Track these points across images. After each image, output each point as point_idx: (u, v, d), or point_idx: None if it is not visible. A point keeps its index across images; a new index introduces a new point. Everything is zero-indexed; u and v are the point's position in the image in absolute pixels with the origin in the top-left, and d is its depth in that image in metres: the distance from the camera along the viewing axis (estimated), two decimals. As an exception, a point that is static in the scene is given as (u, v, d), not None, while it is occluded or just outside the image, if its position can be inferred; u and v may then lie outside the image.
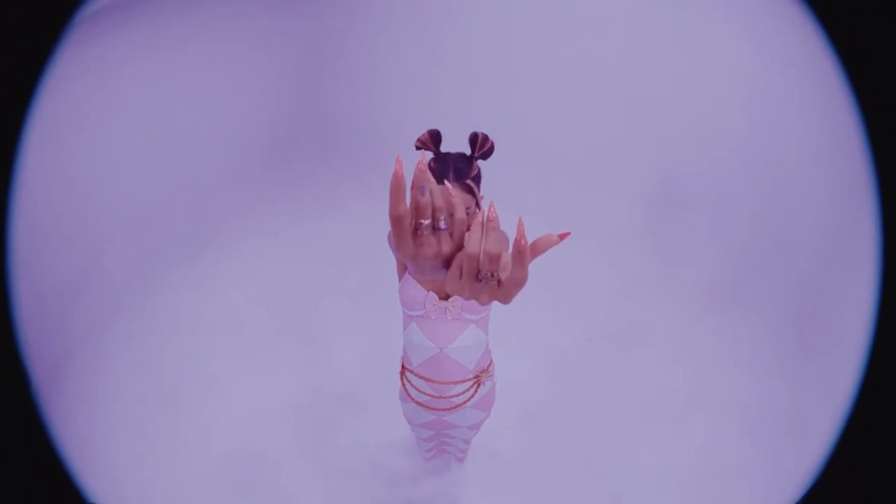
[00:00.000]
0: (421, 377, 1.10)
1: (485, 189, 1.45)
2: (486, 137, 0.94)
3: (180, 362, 2.22)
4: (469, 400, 1.13)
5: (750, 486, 1.87)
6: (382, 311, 2.38)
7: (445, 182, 0.70)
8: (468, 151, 0.97)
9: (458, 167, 0.93)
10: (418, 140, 0.94)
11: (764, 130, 2.80)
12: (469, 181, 0.94)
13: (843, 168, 2.17)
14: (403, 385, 1.17)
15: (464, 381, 1.10)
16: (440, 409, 1.14)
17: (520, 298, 1.37)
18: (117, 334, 2.28)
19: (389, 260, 1.19)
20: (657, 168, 3.16)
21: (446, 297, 1.00)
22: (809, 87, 2.29)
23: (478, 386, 1.13)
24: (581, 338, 2.45)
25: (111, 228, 2.49)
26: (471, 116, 3.47)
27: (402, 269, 1.06)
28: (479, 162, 1.00)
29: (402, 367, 1.16)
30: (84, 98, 2.27)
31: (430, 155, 0.99)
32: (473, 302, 0.99)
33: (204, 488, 1.83)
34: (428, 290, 0.99)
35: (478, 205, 0.97)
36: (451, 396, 1.11)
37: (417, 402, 1.15)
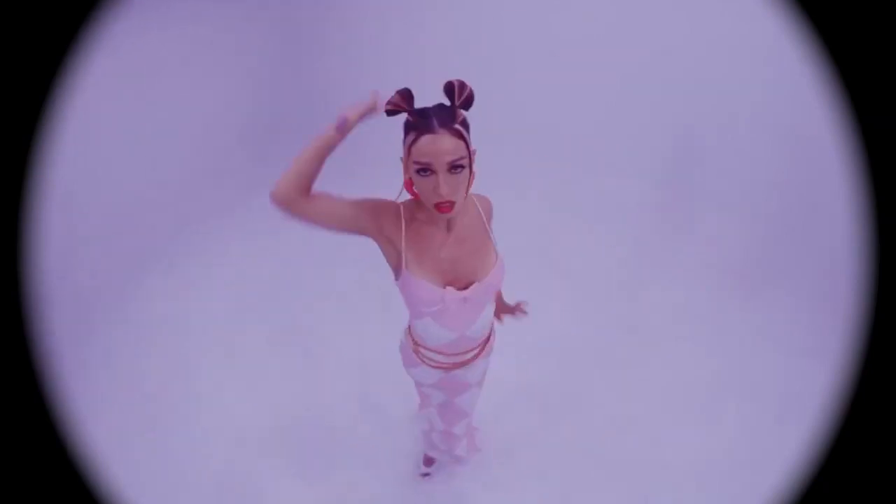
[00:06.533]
0: (437, 351, 1.14)
1: (492, 174, 1.29)
2: (462, 84, 0.85)
3: (164, 375, 2.09)
4: (480, 354, 1.18)
5: (788, 478, 1.70)
6: (374, 313, 2.27)
7: (434, 133, 0.80)
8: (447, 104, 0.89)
9: (442, 117, 0.84)
10: (388, 103, 0.85)
11: (783, 94, 2.62)
12: (458, 126, 0.85)
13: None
14: (417, 355, 1.18)
15: (478, 346, 1.16)
16: (454, 365, 1.17)
17: (533, 289, 1.19)
18: (95, 348, 2.15)
19: (379, 259, 1.03)
20: (669, 141, 2.99)
21: (464, 287, 0.98)
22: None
23: (487, 342, 1.18)
24: (599, 328, 2.28)
25: (86, 233, 2.38)
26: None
27: (397, 262, 0.98)
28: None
29: (414, 342, 1.17)
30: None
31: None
32: (492, 286, 1.01)
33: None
34: (445, 286, 0.97)
35: (470, 156, 0.88)
36: (466, 359, 1.16)
37: (431, 366, 1.19)
